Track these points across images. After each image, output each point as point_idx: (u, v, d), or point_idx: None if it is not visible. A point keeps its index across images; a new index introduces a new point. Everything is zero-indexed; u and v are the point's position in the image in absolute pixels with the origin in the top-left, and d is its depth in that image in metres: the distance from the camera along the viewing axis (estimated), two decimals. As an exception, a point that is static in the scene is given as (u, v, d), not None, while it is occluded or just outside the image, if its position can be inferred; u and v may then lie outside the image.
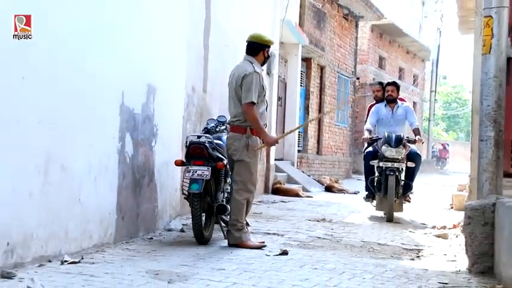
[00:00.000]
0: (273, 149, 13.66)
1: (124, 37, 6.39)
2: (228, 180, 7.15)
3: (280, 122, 16.11)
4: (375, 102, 10.42)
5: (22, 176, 4.86)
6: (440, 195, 14.92)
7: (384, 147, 9.29)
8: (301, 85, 17.90)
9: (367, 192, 9.98)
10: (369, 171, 9.77)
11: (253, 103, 6.45)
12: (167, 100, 7.49)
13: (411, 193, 9.86)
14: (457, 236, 7.67)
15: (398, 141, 9.27)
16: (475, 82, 7.43)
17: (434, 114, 37.91)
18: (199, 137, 6.76)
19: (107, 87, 6.10)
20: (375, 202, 9.81)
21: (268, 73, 13.06)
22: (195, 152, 6.58)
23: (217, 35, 9.52)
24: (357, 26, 22.99)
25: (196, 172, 6.46)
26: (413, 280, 5.22)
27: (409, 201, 9.95)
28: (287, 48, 16.35)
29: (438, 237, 7.85)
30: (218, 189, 6.91)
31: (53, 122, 5.20)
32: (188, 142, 6.71)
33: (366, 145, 10.18)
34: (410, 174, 9.68)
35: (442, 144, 41.60)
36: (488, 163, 5.68)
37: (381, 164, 9.32)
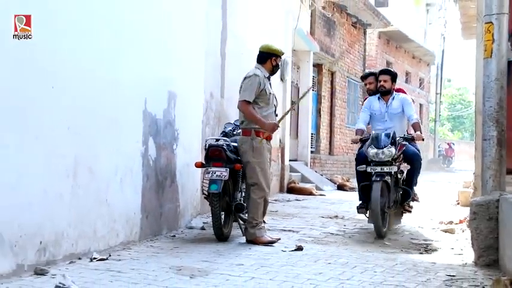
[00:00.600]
0: (287, 150, 13.66)
1: (146, 47, 6.42)
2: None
3: (293, 125, 16.09)
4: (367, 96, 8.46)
5: (53, 178, 4.91)
6: (446, 192, 14.81)
7: (369, 150, 7.36)
8: (313, 90, 17.87)
9: (360, 202, 7.83)
10: (361, 177, 7.74)
11: (246, 101, 6.49)
12: (187, 106, 7.51)
13: (415, 200, 8.09)
14: (463, 231, 7.63)
15: (388, 141, 7.33)
16: (478, 84, 7.39)
17: (439, 115, 37.74)
18: (217, 140, 6.78)
19: (131, 94, 6.13)
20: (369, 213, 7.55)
21: (282, 79, 13.05)
22: (213, 155, 6.60)
23: (233, 44, 9.53)
24: (365, 33, 22.91)
25: (215, 173, 6.48)
26: (422, 273, 5.20)
27: (410, 211, 8.07)
28: (299, 55, 16.34)
29: (445, 232, 7.81)
30: (236, 189, 6.91)
31: (81, 128, 5.24)
32: (207, 145, 6.74)
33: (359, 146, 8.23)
34: (409, 178, 7.85)
35: (448, 144, 41.35)
36: (492, 161, 5.65)
37: (368, 169, 7.34)
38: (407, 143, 7.68)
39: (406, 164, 7.56)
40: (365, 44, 23.07)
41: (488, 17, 5.69)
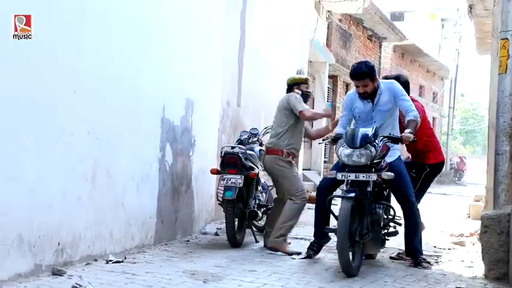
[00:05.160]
0: (300, 159, 13.64)
1: (166, 55, 6.45)
2: (260, 188, 7.16)
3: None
4: None
5: (72, 181, 4.94)
6: (457, 205, 14.72)
7: (341, 150, 5.53)
8: (328, 101, 17.86)
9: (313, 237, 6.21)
10: (322, 193, 6.03)
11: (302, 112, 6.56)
12: (204, 113, 7.53)
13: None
14: (473, 244, 7.57)
15: (366, 138, 5.41)
16: (492, 100, 7.36)
17: (452, 129, 37.53)
18: (233, 147, 6.81)
19: (150, 101, 6.16)
20: None
21: (297, 89, 13.04)
22: (229, 162, 6.62)
23: (250, 54, 9.55)
24: (380, 46, 22.90)
25: (230, 180, 6.50)
26: (432, 284, 5.17)
27: (387, 239, 6.15)
28: (315, 67, 16.34)
29: (456, 244, 7.76)
30: (250, 196, 6.92)
31: (101, 133, 5.27)
32: (223, 152, 6.76)
33: None
34: (399, 192, 5.83)
35: (460, 157, 41.02)
36: (504, 175, 5.63)
37: (339, 175, 5.47)
38: (394, 144, 5.77)
39: (389, 173, 5.48)
40: (380, 57, 23.05)
41: (504, 33, 5.68)
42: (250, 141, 7.38)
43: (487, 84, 8.46)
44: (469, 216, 11.52)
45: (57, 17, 4.70)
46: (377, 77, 5.93)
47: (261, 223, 7.48)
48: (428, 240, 8.05)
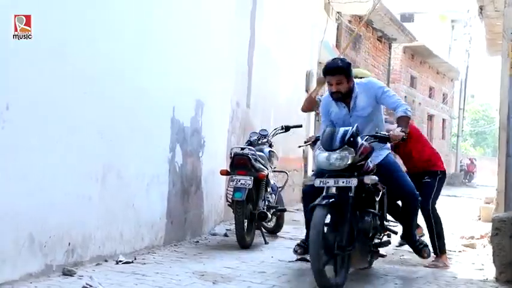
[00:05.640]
0: (310, 161, 13.64)
1: (175, 56, 6.46)
2: (269, 189, 7.16)
3: (317, 136, 16.08)
4: None
5: (82, 182, 4.96)
6: (468, 207, 14.68)
7: (317, 152, 4.98)
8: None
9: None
10: (308, 197, 5.11)
11: None
12: (214, 114, 7.54)
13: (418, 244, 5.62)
14: (484, 246, 7.55)
15: (345, 139, 4.80)
16: (502, 101, 7.32)
17: (462, 130, 37.45)
18: (242, 149, 6.82)
19: (159, 102, 6.18)
20: None
21: (307, 90, 13.04)
22: (238, 163, 6.63)
23: (260, 54, 9.56)
24: (390, 47, 22.85)
25: (239, 181, 6.51)
26: (443, 287, 5.16)
27: (382, 255, 5.64)
28: (324, 68, 16.32)
29: (466, 246, 7.74)
30: (259, 197, 6.92)
31: (111, 133, 5.29)
32: (233, 153, 6.78)
33: None
34: (397, 188, 5.34)
35: (470, 159, 40.93)
36: (516, 178, 5.62)
37: (317, 182, 4.80)
38: (381, 143, 5.20)
39: (373, 177, 4.91)
40: (390, 58, 23.00)
41: (515, 34, 5.66)
42: (259, 142, 7.39)
43: (497, 86, 8.42)
44: (479, 219, 11.48)
45: (60, 16, 4.70)
46: (353, 78, 5.34)
47: (271, 224, 7.49)
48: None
